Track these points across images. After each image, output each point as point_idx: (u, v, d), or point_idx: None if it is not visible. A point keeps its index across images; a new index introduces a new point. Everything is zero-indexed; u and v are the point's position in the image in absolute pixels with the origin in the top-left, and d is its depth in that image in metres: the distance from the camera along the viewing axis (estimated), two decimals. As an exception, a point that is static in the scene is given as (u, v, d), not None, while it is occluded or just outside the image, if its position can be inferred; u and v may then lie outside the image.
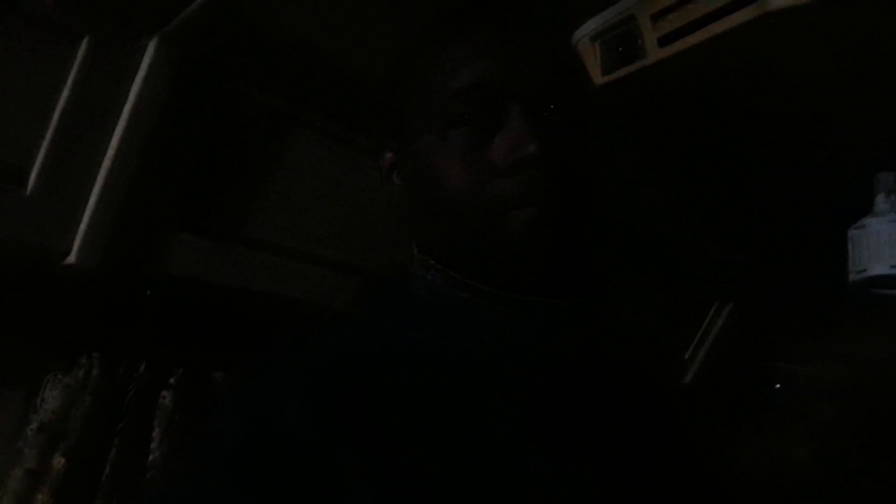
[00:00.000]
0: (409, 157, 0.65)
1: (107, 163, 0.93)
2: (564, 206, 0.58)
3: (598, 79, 0.94)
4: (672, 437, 0.69)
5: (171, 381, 1.14)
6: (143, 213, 0.98)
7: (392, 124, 0.67)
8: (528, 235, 0.58)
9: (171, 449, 1.09)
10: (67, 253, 0.94)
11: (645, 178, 1.27)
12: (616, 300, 0.70)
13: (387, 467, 0.51)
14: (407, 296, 0.65)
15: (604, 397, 0.64)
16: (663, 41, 0.88)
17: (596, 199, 0.63)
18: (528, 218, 0.58)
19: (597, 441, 0.60)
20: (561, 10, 0.94)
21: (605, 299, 0.67)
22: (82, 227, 0.94)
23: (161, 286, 1.04)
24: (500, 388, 0.59)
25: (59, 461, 1.02)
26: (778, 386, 1.58)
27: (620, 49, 0.91)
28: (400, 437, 0.54)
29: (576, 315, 0.63)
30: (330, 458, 0.51)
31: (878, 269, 1.04)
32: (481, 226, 0.59)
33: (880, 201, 1.08)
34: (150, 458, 1.10)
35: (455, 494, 0.52)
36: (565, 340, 0.63)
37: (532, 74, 0.59)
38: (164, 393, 1.14)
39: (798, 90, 0.98)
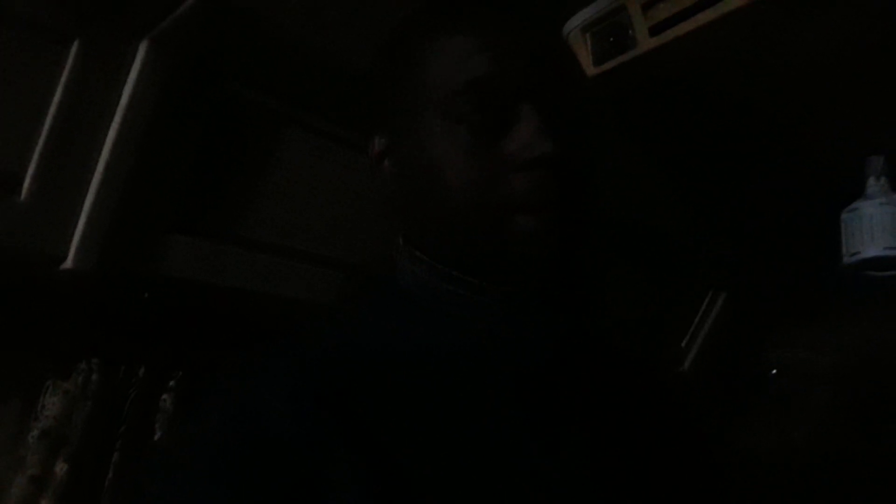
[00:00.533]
0: (407, 145, 0.62)
1: (101, 166, 0.93)
2: (570, 209, 0.58)
3: (590, 70, 0.95)
4: (669, 426, 0.69)
5: (171, 383, 1.14)
6: (139, 215, 0.98)
7: (386, 109, 0.64)
8: (533, 239, 0.57)
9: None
10: (64, 258, 0.93)
11: (636, 169, 1.27)
12: (607, 291, 0.70)
13: (377, 467, 0.50)
14: (394, 290, 0.64)
15: (598, 390, 0.63)
16: (654, 30, 0.89)
17: (595, 199, 0.63)
18: (536, 222, 0.57)
19: (592, 435, 0.59)
20: (555, 2, 0.94)
21: (594, 291, 0.66)
22: (78, 231, 0.93)
23: (159, 288, 1.04)
24: (492, 384, 0.58)
25: (61, 467, 1.02)
26: (774, 372, 1.59)
27: (611, 39, 0.92)
28: (390, 435, 0.52)
29: (566, 307, 0.63)
30: (317, 457, 0.49)
31: (872, 251, 1.05)
32: (484, 223, 0.58)
33: (871, 184, 1.09)
34: (153, 461, 1.10)
35: (448, 494, 0.51)
36: (556, 333, 0.62)
37: (544, 71, 0.58)
38: (164, 396, 1.14)
39: (789, 77, 0.99)
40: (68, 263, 0.93)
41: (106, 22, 0.89)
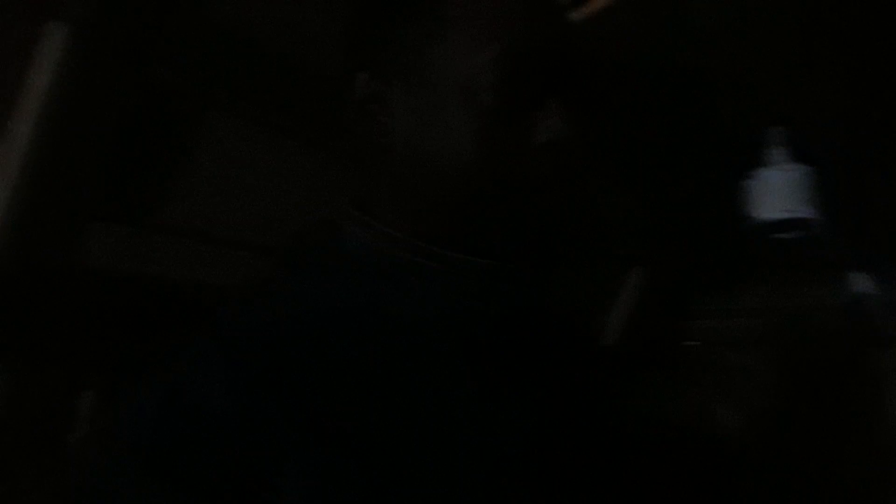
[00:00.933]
0: (411, 99, 0.57)
1: (14, 154, 0.89)
2: (573, 193, 0.58)
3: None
4: (595, 400, 0.68)
5: (92, 381, 1.10)
6: (56, 204, 0.94)
7: (386, 47, 0.59)
8: (538, 218, 0.57)
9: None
10: (-27, 252, 0.89)
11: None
12: (555, 264, 0.69)
13: (320, 443, 0.48)
14: (339, 256, 0.61)
15: (541, 365, 0.63)
16: (574, 4, 0.91)
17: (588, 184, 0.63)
18: (544, 203, 0.56)
19: (540, 415, 0.58)
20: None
21: (545, 263, 0.64)
22: (-10, 223, 0.89)
23: (78, 280, 1.00)
24: (445, 359, 0.56)
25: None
26: (694, 343, 1.65)
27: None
28: (333, 410, 0.50)
29: (516, 278, 0.61)
30: (259, 436, 0.47)
31: (772, 215, 1.12)
32: (493, 198, 0.56)
33: (772, 153, 1.16)
34: (76, 464, 1.06)
35: (395, 471, 0.50)
36: (505, 304, 0.61)
37: (580, 48, 0.58)
38: (84, 394, 1.10)
39: (704, 48, 1.02)
40: (-21, 258, 0.89)
41: (17, 4, 0.86)
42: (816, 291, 1.39)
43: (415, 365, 0.55)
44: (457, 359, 0.57)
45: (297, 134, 1.15)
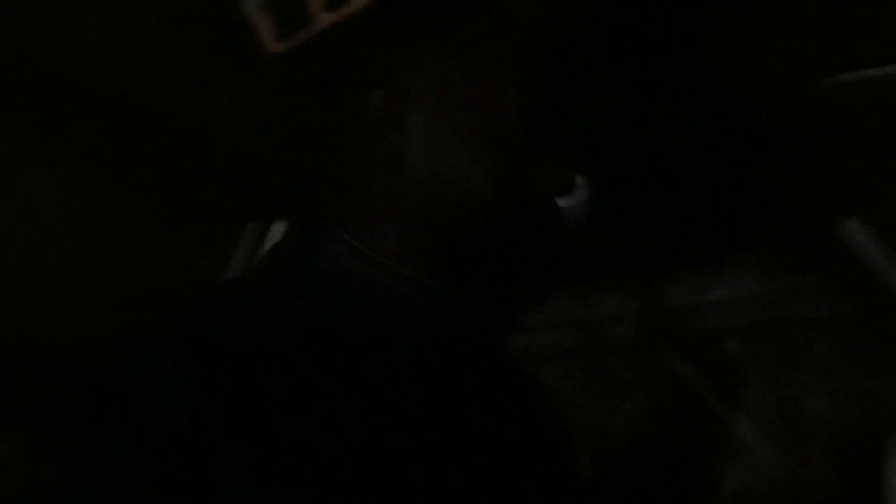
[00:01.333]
0: (428, 124, 0.59)
1: None
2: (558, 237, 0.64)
3: (274, 47, 0.92)
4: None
5: None
6: None
7: (409, 68, 0.60)
8: (525, 254, 0.62)
9: None
10: None
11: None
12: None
13: (265, 457, 0.48)
14: (313, 272, 0.61)
15: (503, 399, 0.66)
16: (329, 5, 0.88)
17: None
18: (529, 247, 0.62)
19: (494, 448, 0.60)
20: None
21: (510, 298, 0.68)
22: None
23: None
24: (405, 380, 0.57)
25: None
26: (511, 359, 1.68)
27: (288, 16, 0.90)
28: (284, 430, 0.50)
29: (488, 307, 0.64)
30: (203, 448, 0.47)
31: (559, 223, 1.15)
32: (486, 233, 0.59)
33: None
34: None
35: (337, 493, 0.50)
36: (475, 333, 0.64)
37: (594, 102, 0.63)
38: None
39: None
40: None
41: None
42: (613, 301, 1.45)
43: (372, 388, 0.56)
44: (416, 387, 0.58)
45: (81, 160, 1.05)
